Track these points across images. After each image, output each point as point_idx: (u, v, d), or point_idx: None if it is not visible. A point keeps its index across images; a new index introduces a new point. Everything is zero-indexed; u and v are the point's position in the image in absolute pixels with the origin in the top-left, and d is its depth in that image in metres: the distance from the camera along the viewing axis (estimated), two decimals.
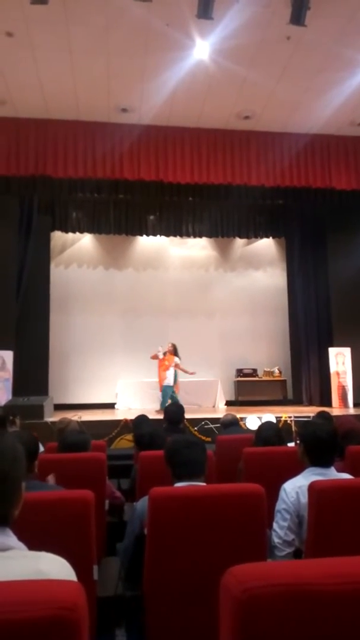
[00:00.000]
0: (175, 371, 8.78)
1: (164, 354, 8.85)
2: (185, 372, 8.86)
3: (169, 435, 3.01)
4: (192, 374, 8.93)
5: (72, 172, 7.28)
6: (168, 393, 8.63)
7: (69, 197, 9.48)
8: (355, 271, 9.72)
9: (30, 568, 1.02)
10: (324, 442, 2.21)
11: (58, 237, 10.52)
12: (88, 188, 8.31)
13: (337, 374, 9.34)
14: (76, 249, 10.80)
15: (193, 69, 6.03)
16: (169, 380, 8.67)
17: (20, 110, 7.04)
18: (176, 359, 8.77)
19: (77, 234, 10.55)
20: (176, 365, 8.74)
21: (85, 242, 10.83)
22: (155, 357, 8.96)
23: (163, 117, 7.21)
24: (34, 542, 1.14)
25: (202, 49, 5.67)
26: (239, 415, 7.21)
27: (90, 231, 10.53)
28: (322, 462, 2.22)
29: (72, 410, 8.60)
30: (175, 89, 6.46)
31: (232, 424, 4.87)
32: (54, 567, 1.05)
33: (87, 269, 10.80)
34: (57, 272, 10.40)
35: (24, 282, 9.04)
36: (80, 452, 2.84)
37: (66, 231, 10.41)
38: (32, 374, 8.93)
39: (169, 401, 8.14)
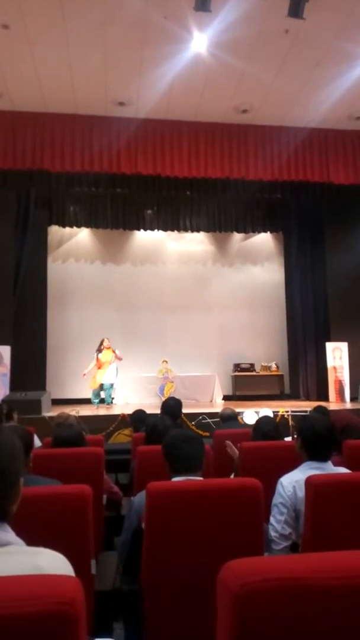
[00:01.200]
0: (117, 367, 8.74)
1: (100, 351, 8.71)
2: (119, 358, 8.76)
3: (168, 428, 3.02)
4: (120, 359, 8.81)
5: (70, 166, 7.24)
6: (109, 391, 8.68)
7: (66, 191, 9.42)
8: (353, 266, 9.74)
9: (29, 563, 1.02)
10: (321, 436, 2.22)
11: (55, 231, 10.48)
12: (85, 182, 8.27)
13: (334, 368, 9.36)
14: (73, 244, 10.77)
15: (191, 62, 5.99)
16: (111, 378, 8.65)
17: (17, 103, 6.99)
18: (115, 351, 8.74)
19: (75, 228, 10.52)
20: (117, 357, 8.70)
21: (82, 236, 10.80)
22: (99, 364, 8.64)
23: (160, 111, 7.18)
24: (32, 537, 1.14)
25: (199, 42, 5.64)
26: (237, 410, 7.24)
27: (87, 226, 10.49)
28: (319, 456, 2.23)
29: (70, 405, 8.61)
30: (173, 82, 6.42)
31: (230, 417, 4.89)
32: (52, 562, 1.05)
33: (85, 264, 10.78)
34: (55, 267, 10.38)
35: (21, 276, 9.02)
36: (74, 446, 2.84)
37: (63, 225, 10.38)
38: (30, 368, 8.93)
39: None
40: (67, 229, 10.54)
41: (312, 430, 2.24)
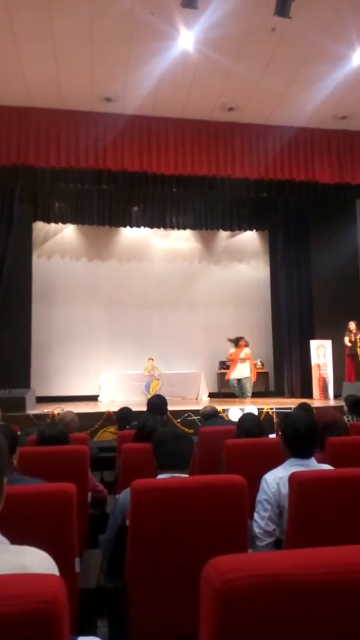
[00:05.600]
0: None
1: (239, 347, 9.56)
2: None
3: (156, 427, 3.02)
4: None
5: (55, 162, 7.17)
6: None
7: (51, 187, 9.33)
8: (337, 264, 9.83)
9: (13, 562, 1.01)
10: (302, 434, 2.25)
11: (40, 227, 10.39)
12: (71, 178, 8.20)
13: (318, 366, 9.45)
14: (59, 240, 10.68)
15: (177, 59, 5.96)
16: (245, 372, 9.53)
17: (1, 97, 6.89)
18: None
19: (60, 224, 10.44)
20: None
21: (68, 233, 10.72)
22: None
23: (147, 108, 7.14)
24: (16, 535, 1.13)
25: (186, 39, 5.62)
26: (221, 407, 7.28)
27: (73, 222, 10.42)
28: (302, 453, 2.25)
29: (55, 403, 8.56)
30: (160, 79, 6.39)
31: (212, 415, 4.92)
32: (36, 561, 1.05)
33: (70, 260, 10.70)
34: (40, 263, 10.28)
35: (5, 272, 8.89)
36: (58, 444, 2.82)
37: (48, 222, 10.29)
38: (14, 366, 8.84)
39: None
40: (53, 225, 10.45)
41: (293, 428, 2.26)
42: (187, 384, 9.98)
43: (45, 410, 7.39)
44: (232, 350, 9.63)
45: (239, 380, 9.49)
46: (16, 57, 6.01)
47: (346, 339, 8.94)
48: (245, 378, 9.45)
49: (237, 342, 9.64)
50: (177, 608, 1.76)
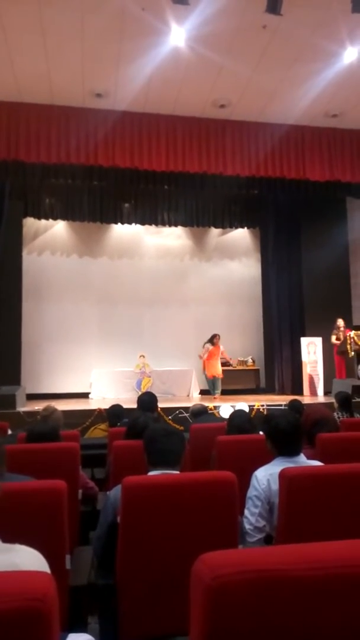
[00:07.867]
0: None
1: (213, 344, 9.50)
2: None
3: (147, 422, 3.02)
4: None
5: (45, 157, 7.12)
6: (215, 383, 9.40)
7: (41, 182, 9.28)
8: (328, 262, 9.88)
9: (4, 560, 1.01)
10: (286, 433, 2.27)
11: (30, 223, 10.32)
12: (62, 174, 8.14)
13: (309, 363, 9.50)
14: (49, 236, 10.62)
15: (169, 56, 5.94)
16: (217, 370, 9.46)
17: None
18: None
19: (50, 220, 10.36)
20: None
21: (58, 229, 10.65)
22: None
23: (138, 104, 7.12)
24: (6, 533, 1.12)
25: (178, 35, 5.60)
26: (212, 404, 7.30)
27: (64, 218, 10.35)
28: (289, 451, 2.27)
29: (46, 400, 8.51)
30: (151, 75, 6.36)
31: (201, 412, 4.94)
32: (26, 559, 1.05)
33: (61, 257, 10.64)
34: (30, 260, 10.22)
35: None
36: (48, 441, 2.81)
37: (39, 218, 10.21)
38: (4, 363, 8.78)
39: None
40: (43, 221, 10.38)
41: (277, 429, 2.28)
42: (178, 381, 9.99)
43: (36, 408, 7.35)
44: (210, 347, 9.48)
45: (214, 377, 9.49)
46: (6, 52, 5.95)
47: (333, 337, 8.99)
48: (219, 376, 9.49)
49: (212, 340, 9.54)
50: (167, 604, 1.77)
